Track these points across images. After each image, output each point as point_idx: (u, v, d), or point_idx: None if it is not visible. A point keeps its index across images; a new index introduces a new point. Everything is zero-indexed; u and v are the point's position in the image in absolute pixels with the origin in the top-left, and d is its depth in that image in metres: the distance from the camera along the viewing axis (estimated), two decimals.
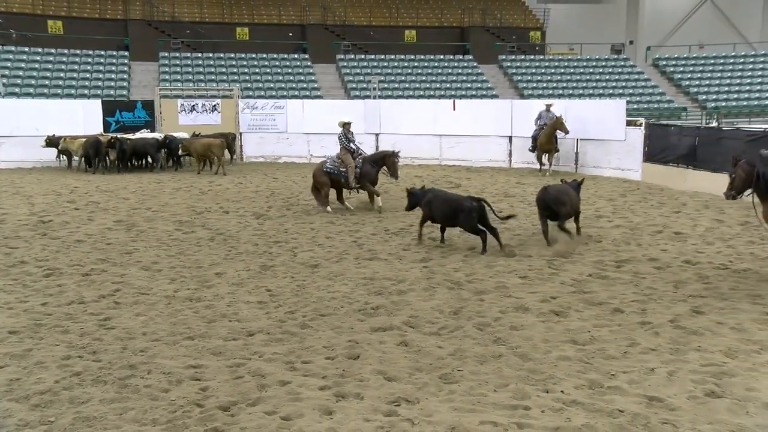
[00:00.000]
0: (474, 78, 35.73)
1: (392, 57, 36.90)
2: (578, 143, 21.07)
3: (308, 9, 39.11)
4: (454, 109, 24.19)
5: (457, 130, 23.72)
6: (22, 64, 31.76)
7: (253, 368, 6.05)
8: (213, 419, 5.12)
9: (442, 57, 37.51)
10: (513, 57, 38.29)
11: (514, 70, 36.94)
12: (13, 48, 32.81)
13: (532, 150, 21.06)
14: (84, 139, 22.20)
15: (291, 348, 6.58)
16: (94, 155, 21.83)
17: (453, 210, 10.85)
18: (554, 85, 35.58)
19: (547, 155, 20.68)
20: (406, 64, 36.47)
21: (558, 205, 10.86)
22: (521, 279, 9.09)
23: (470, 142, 23.56)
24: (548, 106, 21.16)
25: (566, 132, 20.16)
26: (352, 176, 14.67)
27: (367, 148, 25.45)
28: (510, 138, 23.08)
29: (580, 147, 21.04)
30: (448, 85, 34.77)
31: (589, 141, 20.68)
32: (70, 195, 16.86)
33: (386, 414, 5.23)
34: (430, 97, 32.57)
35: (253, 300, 8.20)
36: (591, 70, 37.36)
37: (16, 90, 29.68)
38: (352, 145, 14.97)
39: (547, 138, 20.34)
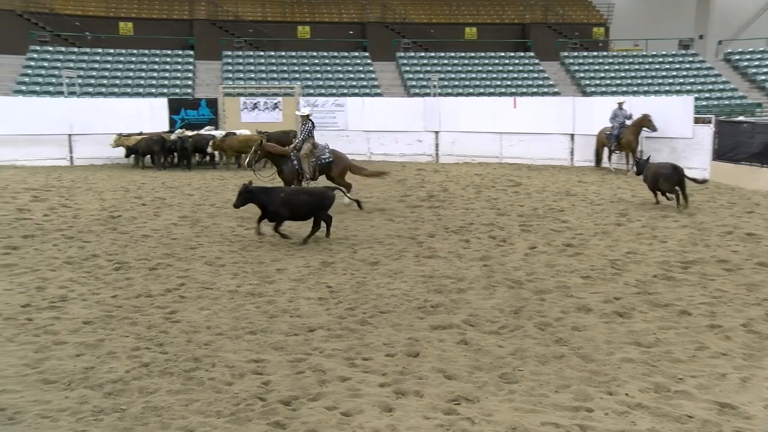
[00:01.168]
0: (535, 75, 35.29)
1: (452, 54, 36.72)
2: (643, 141, 20.60)
3: (368, 7, 39.27)
4: (514, 107, 23.96)
5: (518, 127, 23.49)
6: (95, 65, 32.81)
7: (313, 363, 6.12)
8: (275, 413, 5.20)
9: (502, 54, 37.17)
10: (576, 54, 37.67)
11: (576, 67, 36.32)
12: (87, 49, 33.96)
13: (617, 149, 20.60)
14: (141, 137, 22.80)
15: (351, 344, 6.63)
16: (159, 152, 22.43)
17: (318, 201, 11.29)
18: (618, 81, 34.84)
19: (627, 154, 20.27)
20: (466, 62, 36.25)
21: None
22: (583, 279, 8.95)
23: (531, 139, 23.30)
24: (620, 104, 20.74)
25: (654, 130, 19.75)
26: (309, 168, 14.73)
27: (426, 146, 25.58)
28: (572, 136, 22.75)
29: (645, 145, 20.57)
30: (508, 83, 34.44)
31: (654, 139, 20.19)
32: (138, 191, 17.33)
33: (446, 412, 5.23)
34: (490, 94, 32.30)
35: (314, 296, 8.28)
36: (657, 66, 36.42)
37: (90, 90, 30.65)
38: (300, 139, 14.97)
39: (634, 136, 19.98)
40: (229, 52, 35.45)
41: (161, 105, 26.08)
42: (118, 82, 31.85)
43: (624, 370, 5.97)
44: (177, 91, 31.63)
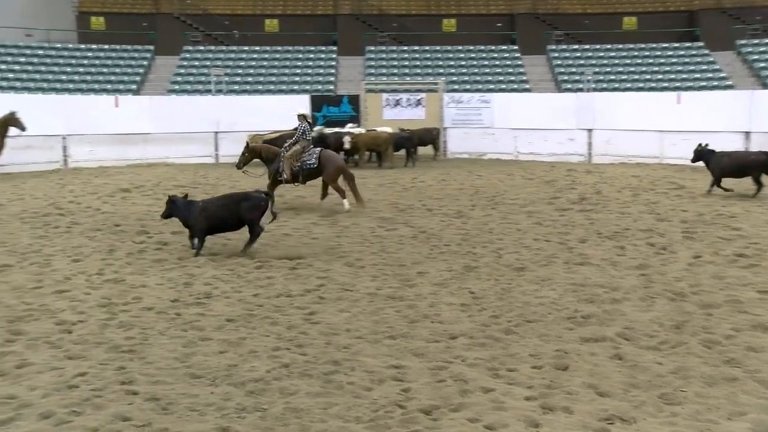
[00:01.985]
0: (704, 67, 33.41)
1: (608, 46, 35.49)
2: None
3: None
4: (678, 102, 22.88)
5: (682, 125, 22.40)
6: (242, 63, 34.55)
7: (455, 372, 6.12)
8: (415, 422, 5.24)
9: (666, 45, 35.48)
10: (756, 41, 35.16)
11: (756, 57, 33.91)
12: (234, 47, 35.87)
13: None
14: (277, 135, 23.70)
15: (494, 354, 6.58)
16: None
17: (236, 207, 10.62)
18: None
19: None
20: (624, 54, 34.88)
21: None
22: (759, 294, 8.39)
23: (697, 138, 22.09)
24: None
25: None
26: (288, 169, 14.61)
27: (578, 146, 24.93)
28: (747, 133, 21.41)
29: None
30: (672, 76, 32.83)
31: None
32: (277, 189, 17.99)
33: (597, 431, 5.08)
34: (650, 89, 30.95)
35: (456, 302, 8.28)
36: None
37: (235, 87, 32.29)
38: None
39: None
40: (372, 47, 36.14)
41: (303, 102, 27.02)
42: (262, 79, 33.31)
43: None
44: (319, 87, 32.63)
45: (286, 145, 15.16)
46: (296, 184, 15.21)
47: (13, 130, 20.94)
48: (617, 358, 6.43)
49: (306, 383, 5.91)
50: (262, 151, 15.18)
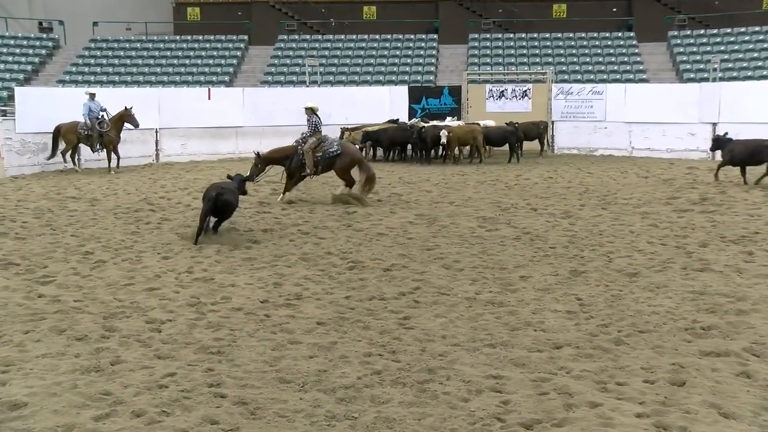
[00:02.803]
0: None
1: (741, 30, 34.03)
2: None
3: None
4: None
5: None
6: (338, 52, 35.05)
7: (559, 385, 6.02)
8: None
9: None
10: None
11: None
12: (330, 36, 36.43)
13: None
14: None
15: (603, 366, 6.43)
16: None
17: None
18: None
19: None
20: (761, 38, 33.29)
21: None
22: None
23: None
24: None
25: None
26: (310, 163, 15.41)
27: (701, 141, 24.06)
28: None
29: None
30: None
31: None
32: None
33: None
34: None
35: (561, 309, 8.15)
36: None
37: (331, 78, 32.79)
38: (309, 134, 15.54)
39: None
40: (476, 35, 35.97)
41: (401, 93, 27.13)
42: (358, 69, 33.69)
43: None
44: (418, 78, 32.74)
45: (300, 140, 15.87)
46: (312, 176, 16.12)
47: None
48: (745, 375, 6.17)
49: (399, 392, 5.94)
50: (274, 156, 15.83)
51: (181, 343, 7.07)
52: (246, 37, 36.20)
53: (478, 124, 24.21)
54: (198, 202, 15.80)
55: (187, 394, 5.83)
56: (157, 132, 25.00)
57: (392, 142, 23.70)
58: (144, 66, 34.08)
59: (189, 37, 36.34)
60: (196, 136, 25.42)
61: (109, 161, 21.63)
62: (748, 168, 17.41)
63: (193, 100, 26.02)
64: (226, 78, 33.09)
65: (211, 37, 36.00)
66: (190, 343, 7.07)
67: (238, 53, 35.23)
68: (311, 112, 15.95)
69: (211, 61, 34.49)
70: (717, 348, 6.78)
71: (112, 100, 22.18)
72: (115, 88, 29.78)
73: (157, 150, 25.08)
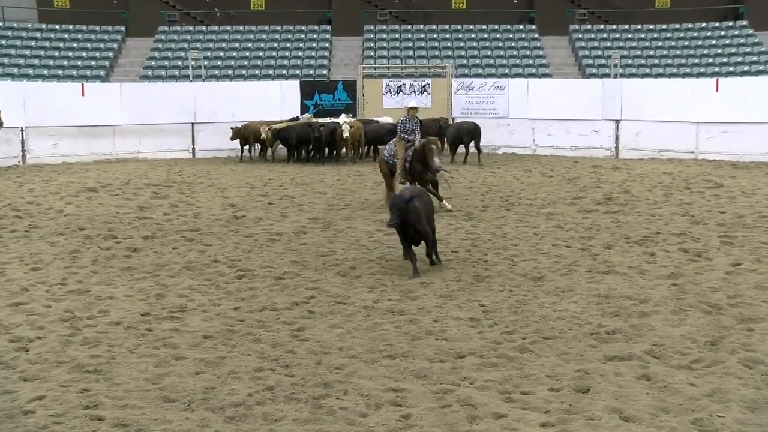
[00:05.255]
0: (748, 49, 33.38)
1: (638, 27, 35.50)
2: None
3: None
4: (716, 90, 22.91)
5: (721, 115, 22.42)
6: (223, 44, 34.56)
7: (462, 396, 6.13)
8: None
9: (704, 25, 35.45)
10: None
11: None
12: (216, 28, 35.89)
13: None
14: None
15: (507, 375, 6.58)
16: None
17: None
18: None
19: None
20: (656, 35, 34.88)
21: None
22: None
23: (738, 131, 22.17)
24: None
25: None
26: (399, 169, 14.65)
27: (604, 138, 24.96)
28: None
29: None
30: (710, 60, 32.85)
31: None
32: (264, 188, 18.08)
33: None
34: (684, 75, 31.02)
35: (464, 316, 8.28)
36: None
37: (216, 72, 32.33)
38: (411, 136, 14.80)
39: None
40: (372, 27, 36.15)
41: (293, 88, 27.01)
42: (246, 63, 33.34)
43: None
44: (311, 72, 32.66)
45: (393, 142, 15.34)
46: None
47: None
48: (645, 378, 6.44)
49: (293, 408, 5.92)
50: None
51: (52, 363, 6.84)
52: (123, 28, 35.23)
53: (377, 121, 24.38)
54: (72, 207, 15.33)
55: (58, 419, 5.65)
56: (23, 131, 24.08)
57: (300, 140, 23.60)
58: (4, 56, 32.68)
59: (57, 27, 35.10)
60: (69, 135, 24.63)
61: None
62: None
63: (65, 95, 25.19)
64: (102, 72, 32.14)
65: (84, 27, 34.88)
66: (63, 362, 6.85)
67: (115, 45, 34.26)
68: (411, 113, 15.23)
69: (84, 54, 33.39)
70: (621, 352, 7.05)
71: None
72: None
73: (23, 151, 24.15)
